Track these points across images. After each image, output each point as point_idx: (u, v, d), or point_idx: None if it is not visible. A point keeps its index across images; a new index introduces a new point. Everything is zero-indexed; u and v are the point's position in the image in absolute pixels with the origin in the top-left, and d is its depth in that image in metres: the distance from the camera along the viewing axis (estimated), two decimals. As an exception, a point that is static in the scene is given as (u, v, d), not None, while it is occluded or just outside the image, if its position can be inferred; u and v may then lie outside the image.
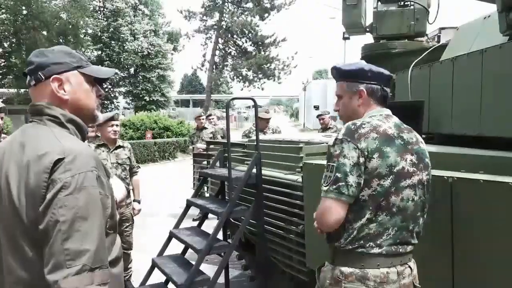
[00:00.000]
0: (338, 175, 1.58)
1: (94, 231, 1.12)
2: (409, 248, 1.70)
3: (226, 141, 3.60)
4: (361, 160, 1.58)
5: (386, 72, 1.80)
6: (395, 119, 1.75)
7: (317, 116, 7.56)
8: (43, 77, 1.29)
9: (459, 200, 1.99)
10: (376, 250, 1.61)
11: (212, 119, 8.21)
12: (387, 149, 1.60)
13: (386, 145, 1.61)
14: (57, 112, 1.28)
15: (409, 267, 1.68)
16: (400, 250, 1.65)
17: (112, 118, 3.89)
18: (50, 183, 1.11)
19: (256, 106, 3.56)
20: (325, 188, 1.62)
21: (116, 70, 1.52)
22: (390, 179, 1.59)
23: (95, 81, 1.39)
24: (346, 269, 1.62)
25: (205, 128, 7.51)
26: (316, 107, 18.90)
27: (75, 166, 1.13)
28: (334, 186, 1.59)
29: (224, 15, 23.36)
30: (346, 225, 1.64)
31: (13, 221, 1.16)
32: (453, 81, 2.55)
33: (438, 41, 4.38)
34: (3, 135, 3.89)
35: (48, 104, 1.28)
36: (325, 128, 7.10)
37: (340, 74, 1.83)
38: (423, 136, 3.00)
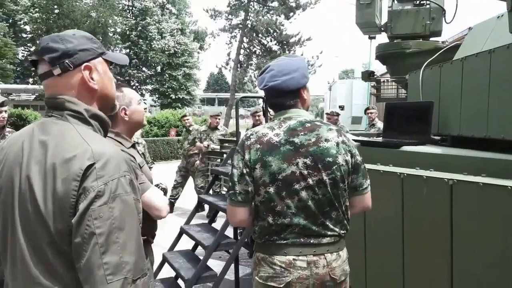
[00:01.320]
0: (230, 183, 1.79)
1: (132, 241, 1.05)
2: (326, 240, 1.73)
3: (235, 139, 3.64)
4: (246, 170, 1.73)
5: (260, 86, 1.85)
6: (292, 122, 1.77)
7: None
8: (72, 66, 1.15)
9: (459, 203, 1.96)
10: (282, 242, 1.73)
11: (188, 119, 7.75)
12: (269, 159, 1.70)
13: (268, 155, 1.71)
14: (80, 107, 1.16)
15: (325, 258, 1.72)
16: (312, 241, 1.72)
17: None
18: (82, 192, 1.02)
19: (265, 104, 3.56)
20: (226, 194, 1.84)
21: (127, 58, 1.42)
22: (275, 186, 1.70)
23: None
24: (260, 255, 1.78)
25: (218, 129, 7.27)
26: (341, 107, 18.55)
27: (107, 173, 1.04)
28: (228, 193, 1.81)
29: (249, 14, 23.34)
30: (254, 223, 1.80)
31: (38, 230, 1.05)
32: (462, 81, 2.50)
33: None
34: (7, 129, 4.04)
35: (70, 98, 1.16)
36: None
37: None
38: (437, 138, 2.97)
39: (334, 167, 1.70)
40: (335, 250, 1.75)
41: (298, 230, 1.71)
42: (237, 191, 1.74)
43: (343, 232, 1.78)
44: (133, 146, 2.13)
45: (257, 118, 6.92)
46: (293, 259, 1.70)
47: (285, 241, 1.72)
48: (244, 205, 1.76)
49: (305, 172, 1.69)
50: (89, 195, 1.02)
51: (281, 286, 1.70)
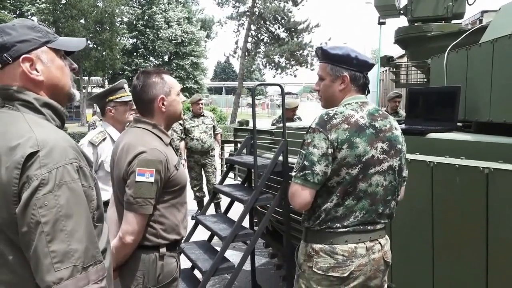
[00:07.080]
0: (306, 163, 1.68)
1: (81, 228, 1.03)
2: (379, 226, 1.78)
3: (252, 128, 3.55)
4: (330, 151, 1.66)
5: (370, 61, 1.82)
6: (370, 107, 1.79)
7: None
8: (11, 59, 1.12)
9: (495, 192, 1.86)
10: (343, 229, 1.71)
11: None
12: (357, 140, 1.67)
13: (356, 136, 1.68)
14: (30, 96, 1.14)
15: (379, 243, 1.77)
16: (368, 227, 1.74)
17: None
18: (26, 181, 1.00)
19: (283, 92, 3.46)
20: (293, 174, 1.74)
21: (85, 40, 1.37)
22: (358, 168, 1.68)
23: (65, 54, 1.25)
24: (316, 246, 1.74)
25: (204, 115, 6.35)
26: (350, 94, 18.37)
27: (52, 160, 1.02)
28: (301, 173, 1.69)
29: (256, 1, 23.08)
30: (315, 208, 1.74)
31: None
32: (493, 64, 2.38)
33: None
34: None
35: (19, 88, 1.13)
36: None
37: (325, 56, 1.83)
38: (460, 124, 2.87)
39: (401, 155, 1.79)
40: (384, 234, 1.82)
41: (361, 217, 1.72)
42: (315, 172, 1.66)
43: (390, 219, 1.85)
44: (170, 143, 1.96)
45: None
46: (355, 247, 1.71)
47: (346, 229, 1.71)
48: (317, 187, 1.69)
49: (381, 156, 1.72)
50: (32, 183, 1.00)
51: (345, 275, 1.69)
